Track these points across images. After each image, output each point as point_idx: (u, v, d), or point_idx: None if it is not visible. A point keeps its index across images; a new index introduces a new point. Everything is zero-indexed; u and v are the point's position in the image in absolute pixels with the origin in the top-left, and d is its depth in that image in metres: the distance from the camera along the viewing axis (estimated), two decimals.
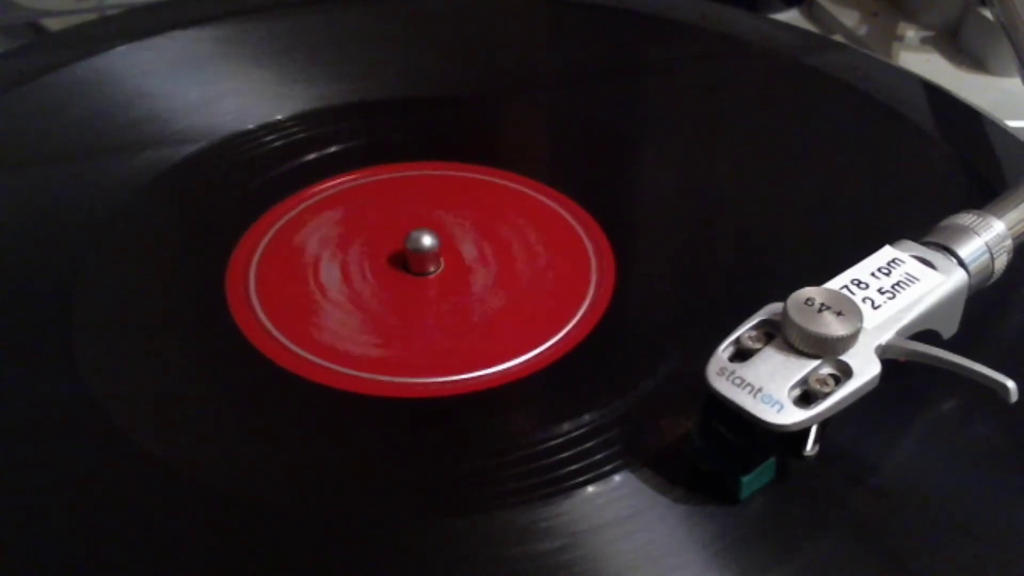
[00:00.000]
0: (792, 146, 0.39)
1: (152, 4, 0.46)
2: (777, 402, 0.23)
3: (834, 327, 0.23)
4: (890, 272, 0.26)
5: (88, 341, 0.29)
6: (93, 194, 0.35)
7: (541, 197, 0.36)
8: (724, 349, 0.24)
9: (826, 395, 0.23)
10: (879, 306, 0.25)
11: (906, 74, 0.42)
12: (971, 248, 0.27)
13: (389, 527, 0.24)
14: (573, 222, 0.35)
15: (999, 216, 0.28)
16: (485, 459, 0.26)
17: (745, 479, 0.24)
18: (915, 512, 0.24)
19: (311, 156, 0.38)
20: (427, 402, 0.28)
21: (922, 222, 0.28)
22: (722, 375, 0.23)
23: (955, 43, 0.54)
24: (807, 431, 0.24)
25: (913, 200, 0.35)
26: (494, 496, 0.25)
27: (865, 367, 0.23)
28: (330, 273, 0.33)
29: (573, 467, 0.26)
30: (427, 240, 0.32)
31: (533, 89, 0.44)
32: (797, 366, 0.23)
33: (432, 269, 0.33)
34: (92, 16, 0.49)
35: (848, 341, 0.23)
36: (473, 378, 0.29)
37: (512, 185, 0.37)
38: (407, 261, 0.33)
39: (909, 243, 0.27)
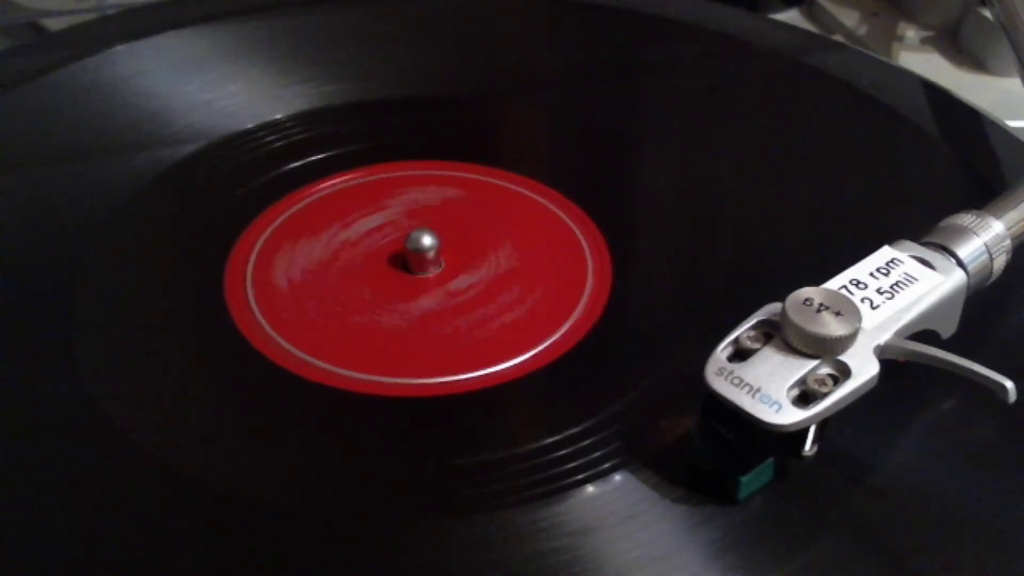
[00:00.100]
0: (792, 146, 0.39)
1: (152, 4, 0.46)
2: (776, 402, 0.23)
3: (833, 327, 0.23)
4: (889, 272, 0.26)
5: (88, 341, 0.29)
6: (93, 194, 0.35)
7: (540, 198, 0.36)
8: (723, 349, 0.24)
9: (825, 395, 0.23)
10: (878, 306, 0.25)
11: (906, 74, 0.42)
12: (970, 248, 0.27)
13: (389, 527, 0.24)
14: (570, 222, 0.35)
15: (998, 216, 0.28)
16: (485, 459, 0.26)
17: (744, 479, 0.24)
18: (915, 512, 0.24)
19: (311, 156, 0.38)
20: (427, 402, 0.28)
21: (922, 222, 0.28)
22: (721, 375, 0.23)
23: (955, 43, 0.54)
24: (806, 431, 0.24)
25: (913, 200, 0.35)
26: (494, 496, 0.25)
27: (864, 367, 0.23)
28: (330, 273, 0.33)
29: (573, 467, 0.26)
30: (427, 240, 0.32)
31: (533, 89, 0.44)
32: (796, 366, 0.23)
33: (432, 269, 0.33)
34: (92, 16, 0.49)
35: (847, 341, 0.23)
36: (473, 378, 0.29)
37: (511, 185, 0.37)
38: (407, 261, 0.33)
39: (908, 243, 0.27)
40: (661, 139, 0.40)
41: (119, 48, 0.42)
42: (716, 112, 0.42)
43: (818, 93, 0.41)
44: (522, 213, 0.36)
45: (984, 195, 0.31)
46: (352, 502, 0.25)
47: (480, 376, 0.29)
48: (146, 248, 0.34)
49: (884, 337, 0.24)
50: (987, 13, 0.51)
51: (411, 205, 0.36)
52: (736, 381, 0.23)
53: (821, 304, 0.24)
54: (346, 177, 0.37)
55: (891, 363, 0.24)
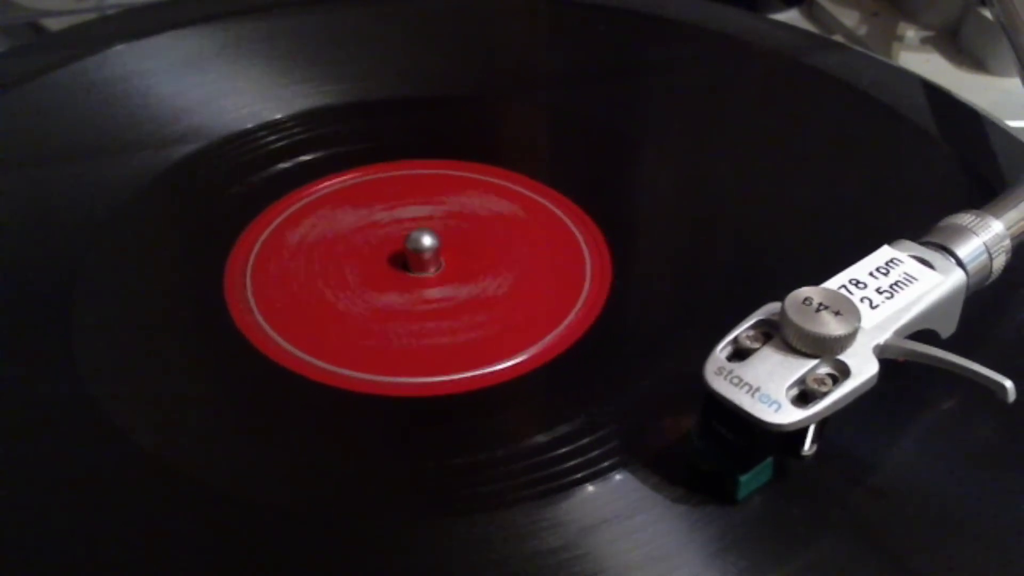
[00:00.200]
0: (792, 146, 0.39)
1: (152, 4, 0.46)
2: (775, 401, 0.23)
3: (832, 327, 0.23)
4: (888, 272, 0.26)
5: (88, 341, 0.29)
6: (93, 194, 0.36)
7: (539, 197, 0.36)
8: (722, 349, 0.24)
9: (824, 395, 0.23)
10: (877, 306, 0.25)
11: (906, 74, 0.42)
12: (969, 248, 0.27)
13: (389, 527, 0.24)
14: (569, 222, 0.35)
15: (997, 216, 0.28)
16: (485, 458, 0.26)
17: (743, 479, 0.24)
18: (915, 512, 0.24)
19: (311, 156, 0.38)
20: (427, 401, 0.28)
21: (922, 222, 0.28)
22: (720, 374, 0.23)
23: (955, 43, 0.54)
24: (805, 431, 0.24)
25: (913, 200, 0.35)
26: (494, 496, 0.25)
27: (863, 367, 0.23)
28: (330, 272, 0.33)
29: (573, 467, 0.26)
30: (427, 240, 0.32)
31: (533, 89, 0.44)
32: (795, 365, 0.23)
33: (432, 269, 0.33)
34: (92, 16, 0.49)
35: (846, 341, 0.23)
36: (472, 377, 0.29)
37: (511, 185, 0.37)
38: (407, 261, 0.33)
39: (907, 243, 0.27)
40: (661, 139, 0.40)
41: (119, 48, 0.42)
42: (716, 112, 0.42)
43: (818, 93, 0.41)
44: (522, 212, 0.36)
45: (984, 195, 0.31)
46: (352, 502, 0.25)
47: (479, 375, 0.29)
48: (146, 248, 0.34)
49: (883, 337, 0.24)
50: (987, 13, 0.51)
51: (411, 205, 0.36)
52: (735, 381, 0.23)
53: (820, 303, 0.24)
54: (346, 177, 0.37)
55: (891, 363, 0.24)
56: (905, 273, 0.26)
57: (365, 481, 0.26)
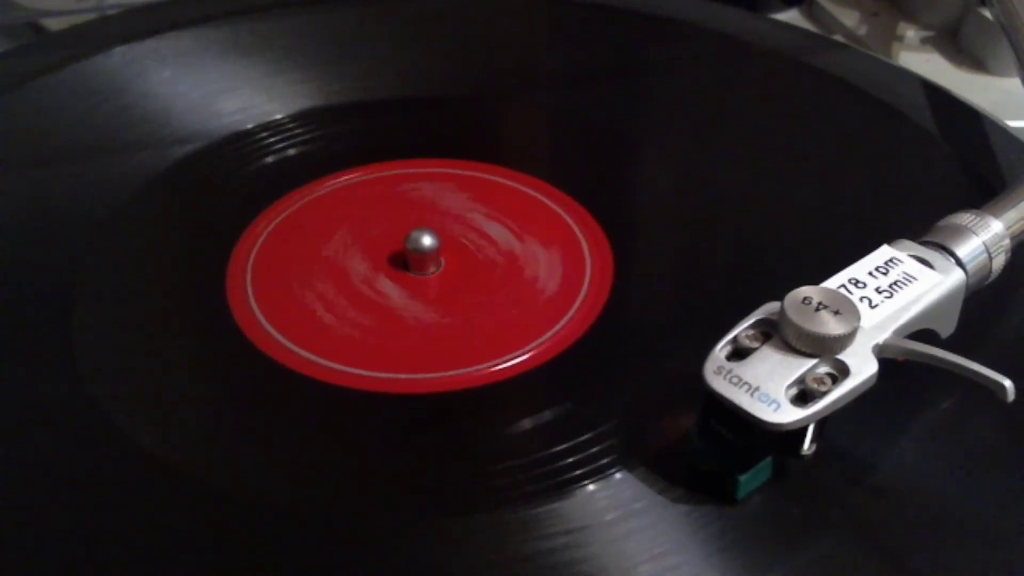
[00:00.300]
0: (792, 146, 0.39)
1: (152, 4, 0.46)
2: (774, 401, 0.23)
3: (831, 326, 0.23)
4: (888, 271, 0.26)
5: (88, 341, 0.29)
6: (93, 194, 0.36)
7: (540, 196, 0.37)
8: (721, 348, 0.24)
9: (823, 394, 0.23)
10: (876, 305, 0.25)
11: (906, 74, 0.42)
12: (969, 248, 0.27)
13: (389, 527, 0.24)
14: (569, 221, 0.35)
15: (997, 216, 0.28)
16: (485, 458, 0.26)
17: (743, 478, 0.24)
18: (915, 512, 0.24)
19: (311, 155, 0.38)
20: (426, 399, 0.28)
21: (922, 222, 0.28)
22: (719, 374, 0.23)
23: (955, 43, 0.54)
24: (804, 430, 0.24)
25: (913, 200, 0.35)
26: (494, 496, 0.25)
27: (862, 366, 0.23)
28: (330, 272, 0.33)
29: (573, 466, 0.26)
30: (427, 240, 0.32)
31: (533, 89, 0.44)
32: (794, 365, 0.23)
33: (432, 269, 0.33)
34: (92, 16, 0.49)
35: (845, 340, 0.23)
36: (472, 374, 0.29)
37: (511, 184, 0.37)
38: (407, 261, 0.33)
39: (907, 242, 0.27)
40: (661, 139, 0.40)
41: (119, 48, 0.42)
42: (716, 112, 0.42)
43: (818, 93, 0.41)
44: (522, 212, 0.36)
45: (984, 195, 0.31)
46: (352, 502, 0.25)
47: (479, 374, 0.29)
48: (146, 248, 0.34)
49: (883, 336, 0.24)
50: (987, 13, 0.51)
51: (411, 204, 0.36)
52: (735, 380, 0.23)
53: (820, 303, 0.24)
54: (346, 177, 0.37)
55: (890, 362, 0.24)
56: (905, 273, 0.26)
57: (365, 481, 0.26)
